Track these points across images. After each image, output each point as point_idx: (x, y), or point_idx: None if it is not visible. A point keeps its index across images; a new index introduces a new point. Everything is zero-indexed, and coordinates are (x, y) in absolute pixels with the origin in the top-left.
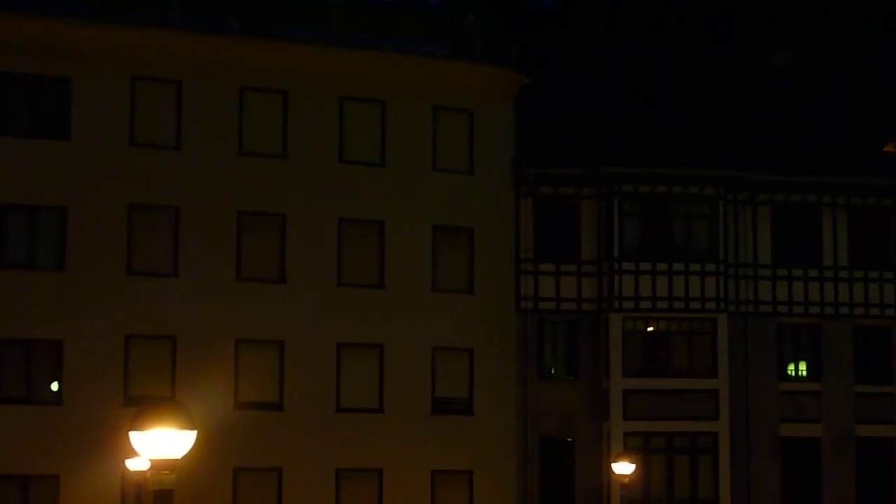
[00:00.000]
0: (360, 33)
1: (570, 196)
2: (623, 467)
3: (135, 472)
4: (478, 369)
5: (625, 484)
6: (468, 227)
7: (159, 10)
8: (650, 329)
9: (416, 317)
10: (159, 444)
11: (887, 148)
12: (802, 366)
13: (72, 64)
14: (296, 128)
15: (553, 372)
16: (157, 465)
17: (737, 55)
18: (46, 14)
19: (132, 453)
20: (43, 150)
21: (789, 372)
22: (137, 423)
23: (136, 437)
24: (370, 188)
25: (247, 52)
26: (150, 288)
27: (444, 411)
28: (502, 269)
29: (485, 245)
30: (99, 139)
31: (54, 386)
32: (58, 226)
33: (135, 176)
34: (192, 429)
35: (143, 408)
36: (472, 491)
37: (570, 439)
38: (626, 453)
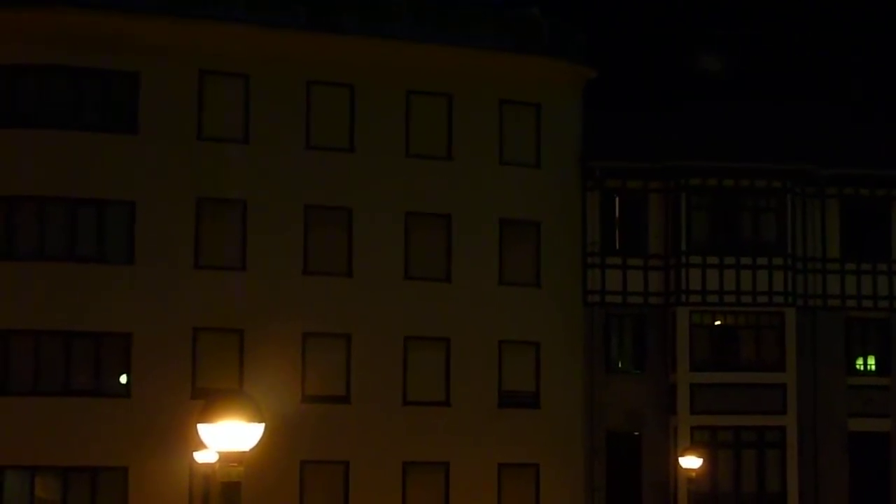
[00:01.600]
0: (427, 27)
1: (638, 190)
2: (690, 461)
3: (203, 465)
4: (544, 363)
5: (692, 478)
6: (535, 220)
7: (227, 5)
8: (717, 323)
9: (483, 310)
10: (227, 436)
11: None
12: (871, 360)
13: (140, 58)
14: (362, 121)
15: (620, 366)
16: (225, 458)
17: (805, 47)
18: (115, 9)
19: (200, 446)
20: (112, 145)
21: (857, 366)
22: (206, 416)
23: (204, 430)
24: (437, 182)
25: (314, 46)
26: (217, 281)
27: (511, 405)
28: (569, 262)
29: (551, 238)
30: (167, 133)
31: (123, 379)
32: (127, 220)
33: (203, 170)
34: (259, 421)
35: (212, 400)
36: (538, 484)
37: (636, 433)
38: (693, 447)
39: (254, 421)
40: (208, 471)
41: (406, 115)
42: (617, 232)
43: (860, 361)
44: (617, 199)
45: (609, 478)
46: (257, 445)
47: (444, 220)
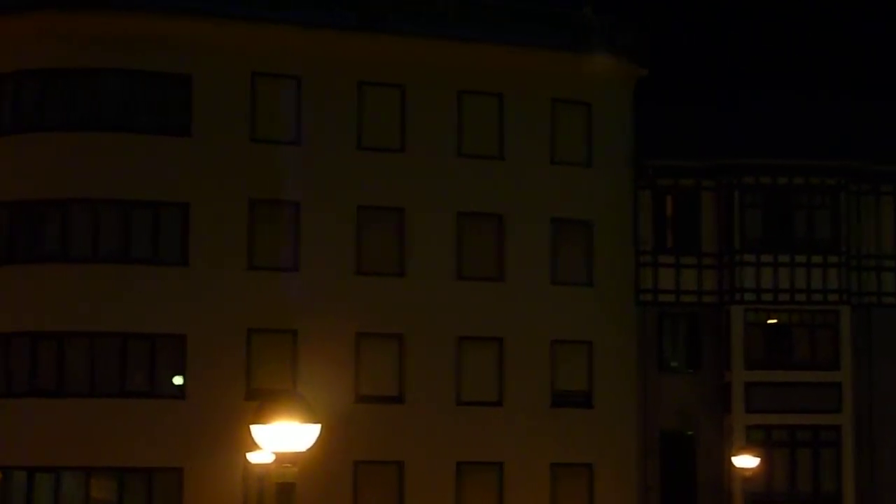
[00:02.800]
0: (477, 26)
1: (690, 188)
2: (745, 461)
3: (257, 465)
4: (597, 362)
5: (747, 478)
6: (587, 219)
7: (279, 7)
8: (772, 321)
9: (536, 310)
10: (282, 437)
11: None
12: None
13: (193, 61)
14: (414, 122)
15: (673, 365)
16: (280, 459)
17: (860, 43)
18: (169, 12)
19: (255, 446)
20: (165, 147)
21: None
22: (260, 417)
23: (258, 431)
24: (488, 181)
25: (365, 47)
26: (271, 282)
27: (564, 404)
28: (621, 261)
29: (604, 237)
30: (220, 135)
31: (178, 380)
32: (181, 221)
33: (256, 171)
34: (313, 422)
35: (266, 401)
36: (591, 484)
37: (690, 432)
38: (747, 447)
39: (308, 422)
40: (263, 472)
41: (458, 115)
42: (669, 230)
43: None
44: (669, 198)
45: (663, 478)
46: (311, 446)
47: (497, 220)
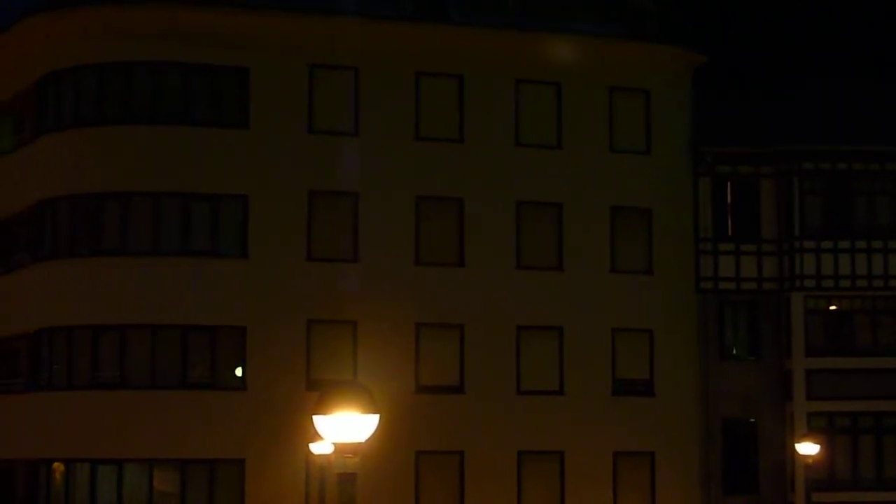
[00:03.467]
0: (534, 15)
1: (750, 175)
2: (807, 448)
3: (319, 456)
4: (658, 350)
5: (809, 465)
6: (646, 207)
7: None
8: (833, 308)
9: (595, 298)
10: (343, 427)
11: None
12: None
13: (251, 53)
14: (472, 111)
15: (734, 352)
16: (341, 449)
17: None
18: (225, 5)
19: (316, 437)
20: (223, 139)
21: None
22: (321, 407)
23: (320, 421)
24: (547, 171)
25: (422, 37)
26: (331, 273)
27: (625, 393)
28: (681, 249)
29: (663, 225)
30: (278, 127)
31: (238, 371)
32: (240, 214)
33: (314, 163)
34: (374, 412)
35: (327, 392)
36: (653, 472)
37: (752, 420)
38: (809, 434)
39: (369, 412)
40: (324, 462)
41: (515, 104)
42: (729, 218)
43: None
44: (729, 185)
45: (724, 465)
46: (372, 436)
47: (556, 209)
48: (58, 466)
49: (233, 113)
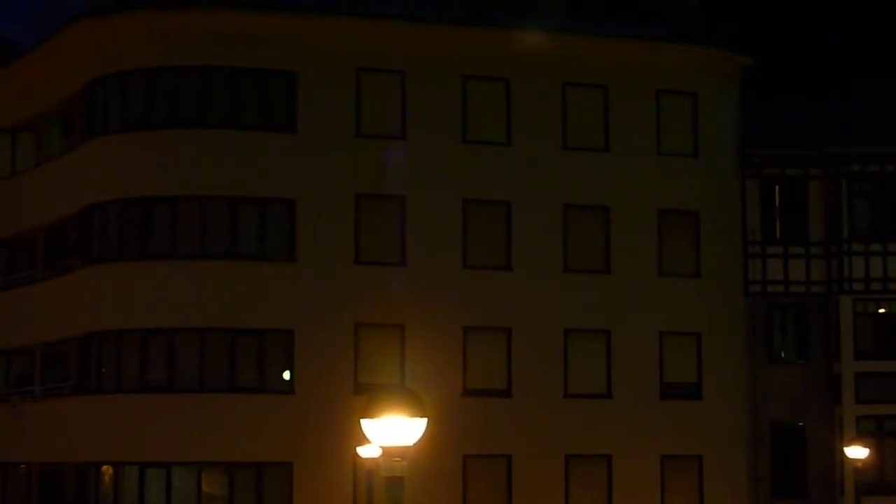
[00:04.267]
0: (581, 18)
1: (798, 177)
2: (856, 451)
3: (366, 459)
4: (706, 354)
5: (858, 468)
6: (693, 210)
7: (382, 2)
8: (882, 311)
9: (643, 301)
10: (390, 431)
11: None
12: None
13: (298, 57)
14: (519, 114)
15: (783, 356)
16: (389, 452)
17: None
18: (273, 9)
19: (364, 440)
20: (271, 143)
21: None
22: (369, 411)
23: (367, 425)
24: (594, 173)
25: (469, 41)
26: (378, 277)
27: (673, 396)
28: (729, 252)
29: (711, 228)
30: (326, 131)
31: (286, 375)
32: (287, 217)
33: (361, 166)
34: (422, 416)
35: (375, 395)
36: (701, 476)
37: (800, 423)
38: (858, 437)
39: (416, 416)
40: (372, 465)
41: (562, 108)
42: (777, 220)
43: None
44: (777, 187)
45: (773, 468)
46: (420, 440)
47: (603, 212)
48: (107, 469)
49: (280, 117)
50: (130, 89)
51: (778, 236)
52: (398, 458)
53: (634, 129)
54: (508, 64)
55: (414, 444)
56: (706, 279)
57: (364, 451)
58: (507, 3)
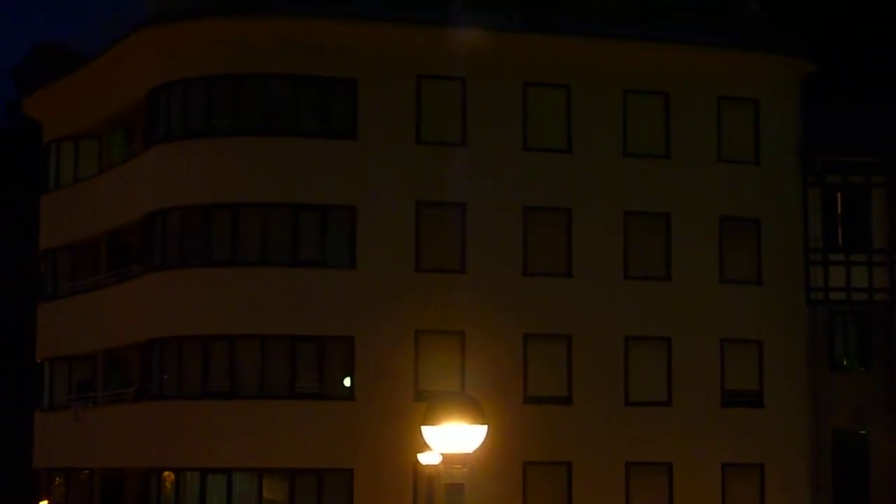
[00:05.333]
0: (642, 24)
1: (860, 184)
2: None
3: (427, 467)
4: (767, 361)
5: None
6: (755, 217)
7: (443, 8)
8: None
9: (704, 309)
10: (451, 438)
11: None
12: None
13: (359, 64)
14: (579, 122)
15: (844, 363)
16: (449, 459)
17: None
18: (333, 16)
19: (424, 447)
20: (332, 150)
21: None
22: (429, 418)
23: (428, 432)
24: (655, 180)
25: (529, 47)
26: (438, 284)
27: (734, 404)
28: (791, 259)
29: (772, 235)
30: (386, 138)
31: (347, 381)
32: (348, 224)
33: (422, 173)
34: (482, 423)
35: (435, 402)
36: (762, 484)
37: (863, 431)
38: None
39: (477, 423)
40: (432, 472)
41: (623, 115)
42: (839, 227)
43: None
44: (839, 194)
45: (835, 478)
46: (480, 447)
47: (664, 219)
48: (168, 475)
49: (341, 124)
50: (192, 96)
51: (840, 243)
52: (459, 465)
53: (695, 135)
54: (569, 71)
55: (474, 451)
56: (767, 287)
57: (424, 458)
58: (568, 9)
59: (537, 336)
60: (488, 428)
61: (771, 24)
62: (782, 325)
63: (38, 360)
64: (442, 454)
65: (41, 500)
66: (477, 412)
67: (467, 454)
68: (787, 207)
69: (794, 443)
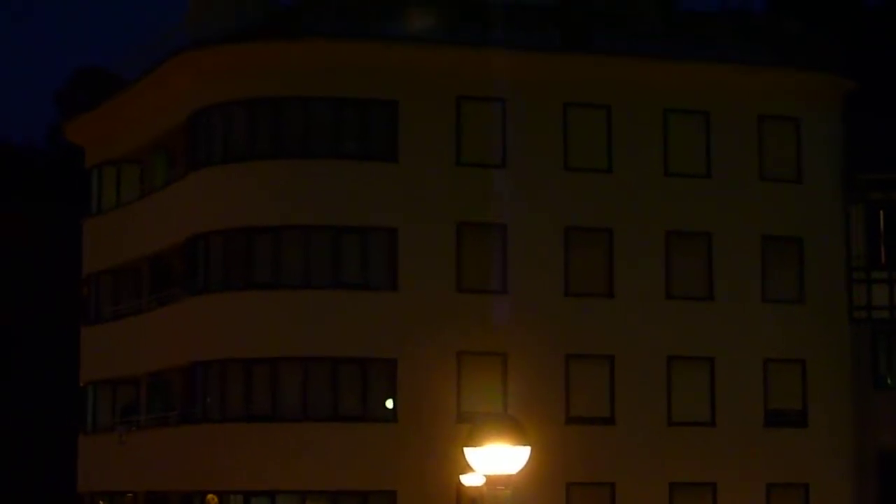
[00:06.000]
0: (682, 43)
1: None
2: None
3: (470, 488)
4: (811, 380)
5: None
6: (797, 236)
7: (482, 30)
8: None
9: (747, 328)
10: (494, 459)
11: None
12: None
13: (399, 86)
14: (620, 141)
15: (889, 382)
16: (493, 481)
17: None
18: (373, 39)
19: (467, 469)
20: (373, 172)
21: None
22: (472, 439)
23: (471, 453)
24: (697, 200)
25: (569, 68)
26: (480, 305)
27: (778, 423)
28: (833, 277)
29: (815, 254)
30: (427, 160)
31: (389, 403)
32: (389, 246)
33: (463, 195)
34: (525, 444)
35: (478, 424)
36: None
37: None
38: None
39: (520, 444)
40: (476, 494)
41: (664, 134)
42: (882, 245)
43: None
44: (881, 212)
45: (881, 498)
46: (524, 468)
47: (705, 238)
48: (212, 498)
49: (382, 146)
50: (233, 120)
51: (882, 261)
52: (502, 487)
53: (737, 154)
54: (609, 90)
55: (517, 473)
56: (810, 305)
57: (467, 480)
58: (607, 29)
59: (579, 356)
60: (531, 449)
61: (811, 42)
62: (825, 343)
63: (82, 384)
64: (485, 475)
65: None
66: (520, 433)
67: (510, 475)
68: (830, 225)
69: (838, 462)
